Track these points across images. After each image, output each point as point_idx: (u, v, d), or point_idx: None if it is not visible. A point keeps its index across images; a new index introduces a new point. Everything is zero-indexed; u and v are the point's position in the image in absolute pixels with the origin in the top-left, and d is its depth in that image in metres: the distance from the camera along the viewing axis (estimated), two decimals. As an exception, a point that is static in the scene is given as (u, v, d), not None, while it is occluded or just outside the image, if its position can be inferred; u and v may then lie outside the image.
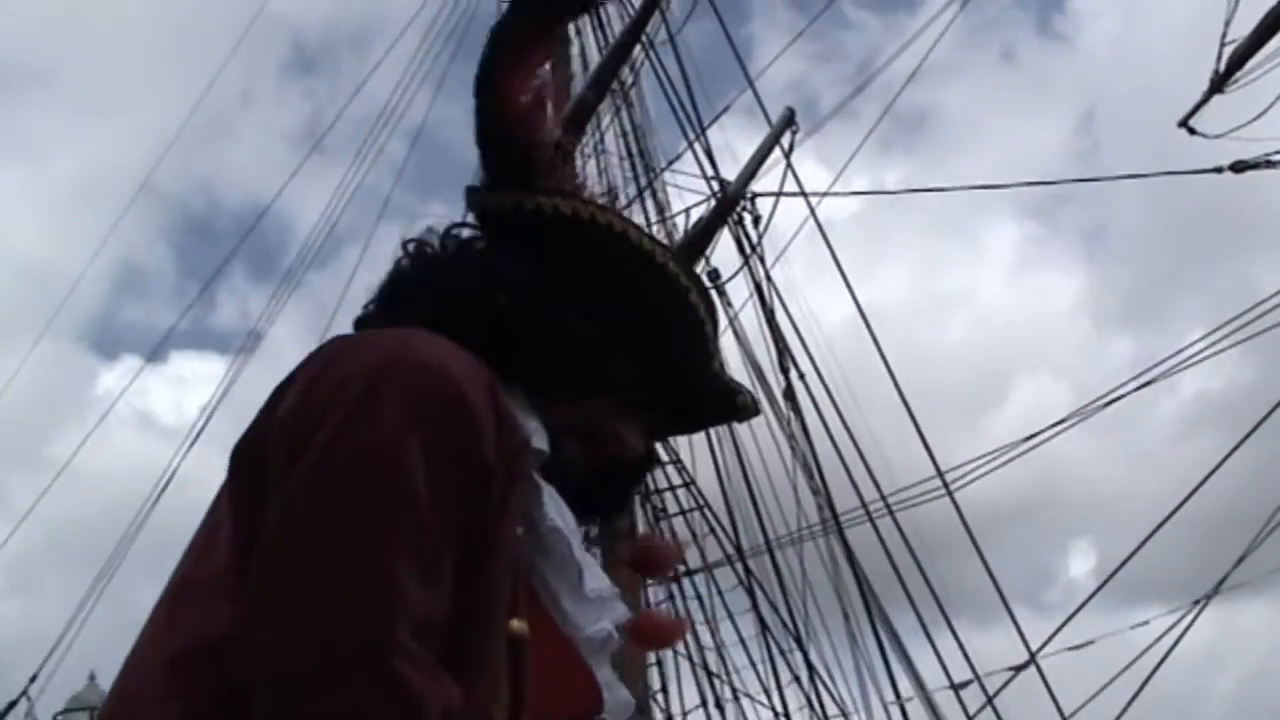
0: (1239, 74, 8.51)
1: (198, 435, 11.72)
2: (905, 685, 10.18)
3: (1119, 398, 9.47)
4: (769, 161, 11.10)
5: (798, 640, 11.01)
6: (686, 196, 11.94)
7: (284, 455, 1.16)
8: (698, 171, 11.74)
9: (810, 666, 10.95)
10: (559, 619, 1.33)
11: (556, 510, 1.35)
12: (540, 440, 1.36)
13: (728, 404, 1.60)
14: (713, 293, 1.70)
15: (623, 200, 13.19)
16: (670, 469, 12.46)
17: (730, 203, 10.92)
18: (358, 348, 1.24)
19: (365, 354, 1.21)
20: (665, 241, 1.69)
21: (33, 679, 10.50)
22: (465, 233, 1.50)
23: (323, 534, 1.10)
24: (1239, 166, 8.58)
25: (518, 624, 1.23)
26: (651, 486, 12.46)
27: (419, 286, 1.44)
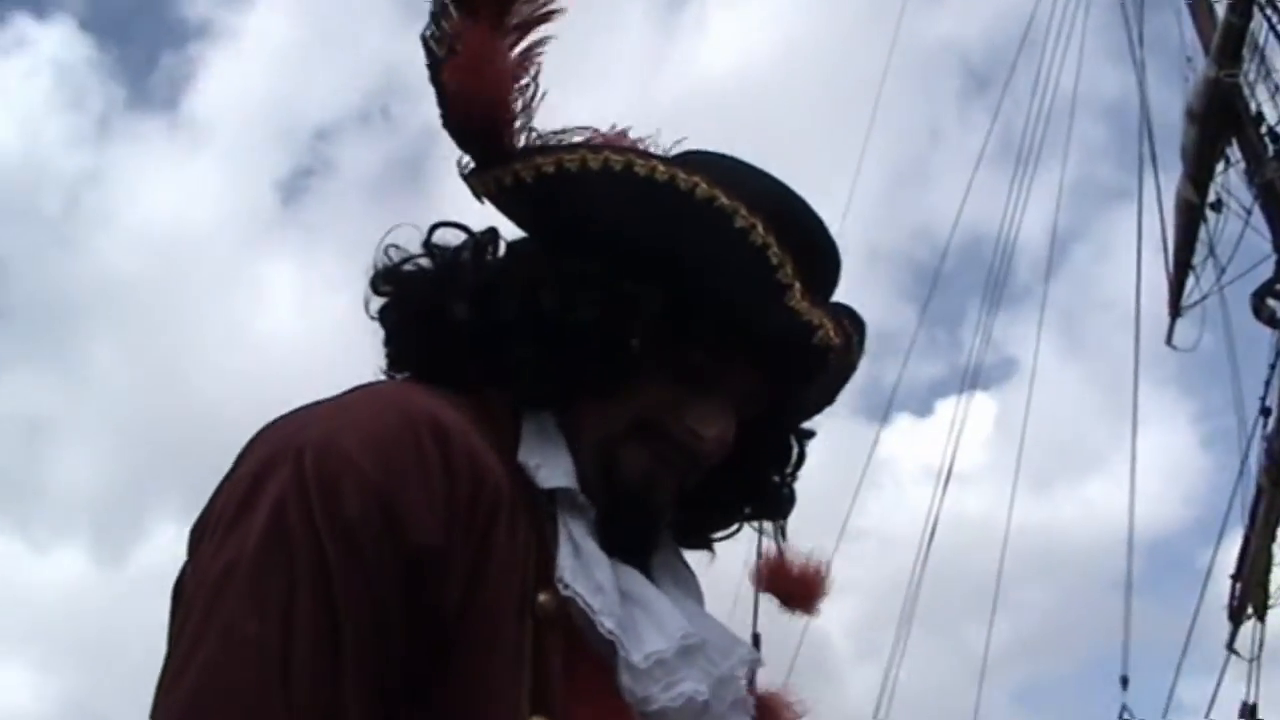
0: None
1: (947, 478, 12.03)
2: None
3: None
4: None
5: None
6: None
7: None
8: None
9: None
10: (628, 698, 1.08)
11: (576, 565, 1.09)
12: (555, 475, 1.12)
13: (803, 344, 1.17)
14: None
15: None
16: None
17: None
18: (262, 438, 1.07)
19: (262, 448, 1.05)
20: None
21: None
22: (447, 234, 1.23)
23: (169, 694, 0.98)
24: None
25: None
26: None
27: (381, 317, 1.22)
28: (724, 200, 1.14)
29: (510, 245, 1.23)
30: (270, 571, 0.97)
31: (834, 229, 1.26)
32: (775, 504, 1.32)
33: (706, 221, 1.14)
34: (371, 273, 1.21)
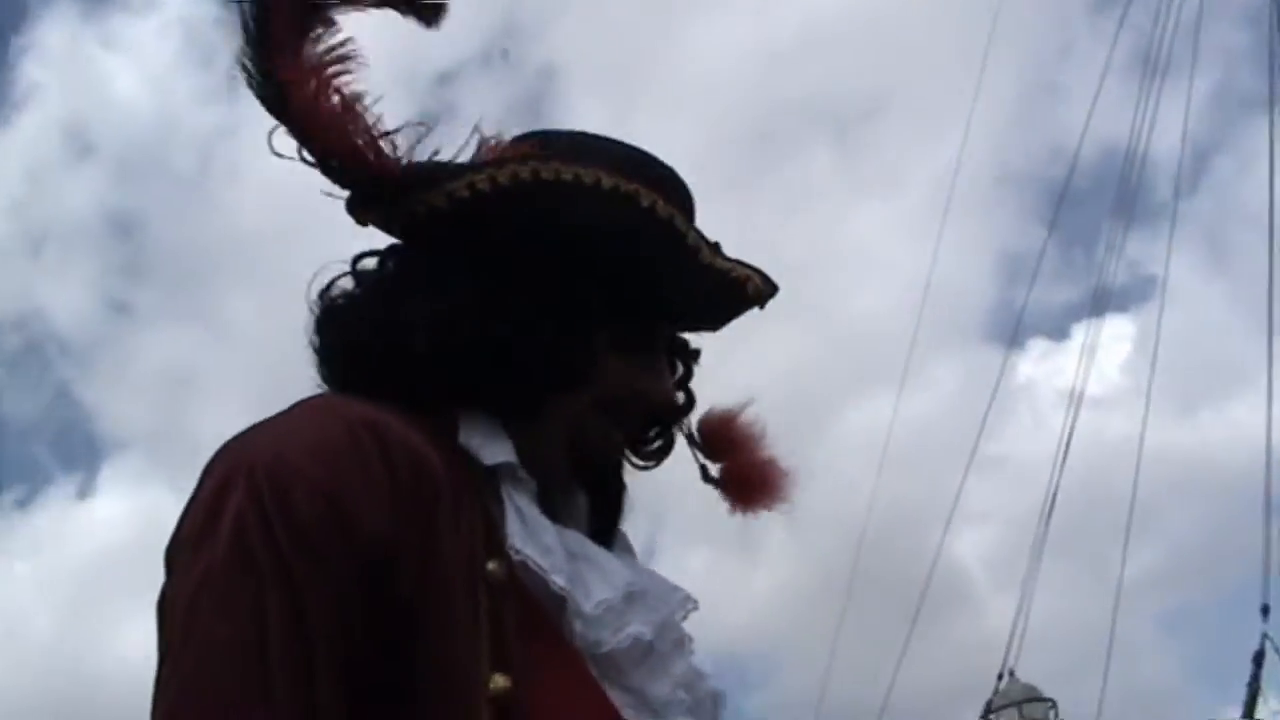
0: None
1: (1079, 400, 11.93)
2: None
3: None
4: None
5: None
6: None
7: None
8: None
9: None
10: (579, 644, 1.17)
11: (524, 531, 1.17)
12: (496, 453, 1.21)
13: (737, 297, 1.34)
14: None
15: None
16: None
17: None
18: (218, 459, 1.14)
19: (218, 468, 1.12)
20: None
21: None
22: (371, 262, 1.30)
23: (157, 708, 1.05)
24: None
25: (500, 681, 1.09)
26: None
27: (328, 349, 1.27)
28: (624, 185, 1.23)
29: (434, 261, 1.27)
30: (237, 581, 1.05)
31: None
32: (681, 413, 1.42)
33: (616, 209, 1.23)
34: (314, 314, 1.28)
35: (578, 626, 1.16)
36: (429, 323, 1.22)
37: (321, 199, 1.26)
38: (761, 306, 1.37)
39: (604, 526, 1.34)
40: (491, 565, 1.13)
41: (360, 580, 1.07)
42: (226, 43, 1.23)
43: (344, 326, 1.26)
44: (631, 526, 1.38)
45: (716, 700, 1.29)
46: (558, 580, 1.16)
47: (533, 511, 1.20)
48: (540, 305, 1.23)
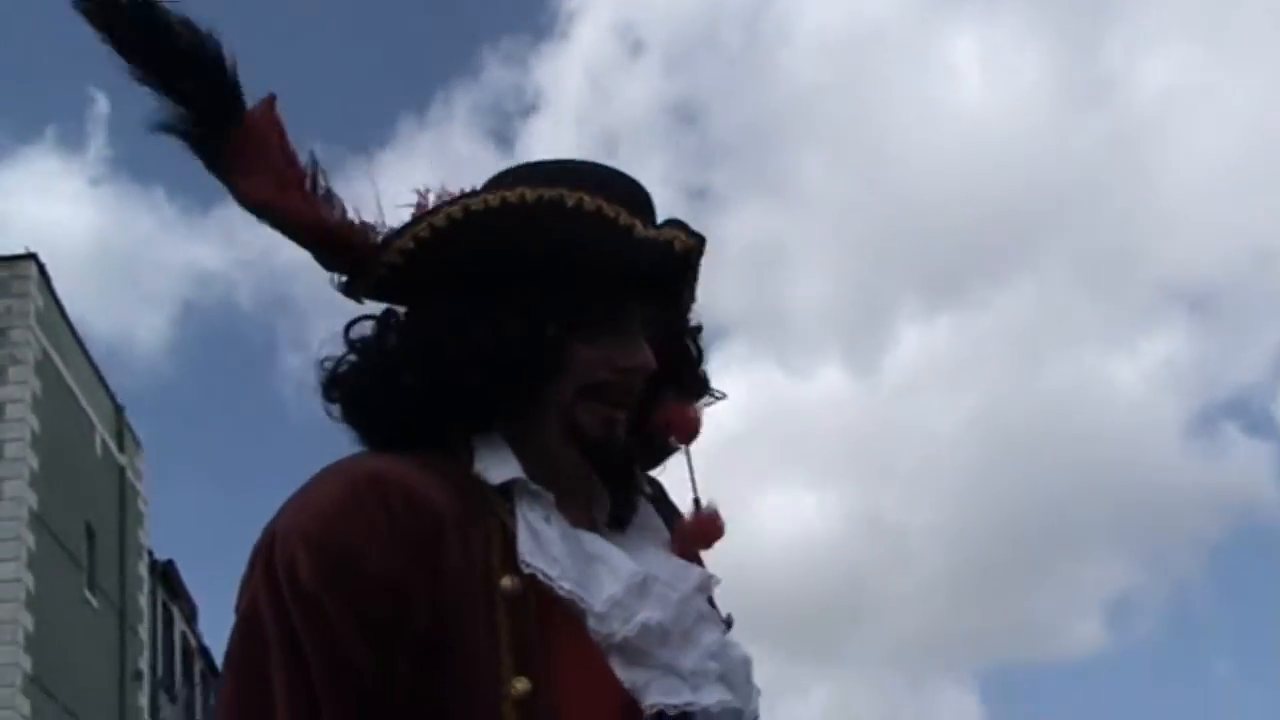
0: None
1: None
2: None
3: None
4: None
5: None
6: None
7: None
8: None
9: None
10: (596, 638, 1.31)
11: (533, 545, 1.32)
12: (502, 471, 1.35)
13: (670, 257, 1.40)
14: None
15: None
16: None
17: None
18: (260, 536, 1.33)
19: (254, 549, 1.31)
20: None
21: None
22: (356, 328, 1.45)
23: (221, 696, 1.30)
24: None
25: (521, 685, 1.25)
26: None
27: (345, 415, 1.43)
28: (547, 193, 1.38)
29: (410, 311, 1.44)
30: (245, 646, 1.29)
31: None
32: (696, 391, 1.53)
33: (544, 214, 1.38)
34: (321, 385, 1.44)
35: (592, 623, 1.31)
36: (411, 362, 1.37)
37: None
38: (694, 263, 1.43)
39: (622, 510, 1.46)
40: (506, 581, 1.29)
41: (371, 621, 1.25)
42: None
43: (348, 390, 1.42)
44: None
45: (747, 664, 1.41)
46: (565, 585, 1.30)
47: (543, 526, 1.34)
48: (498, 316, 1.37)
